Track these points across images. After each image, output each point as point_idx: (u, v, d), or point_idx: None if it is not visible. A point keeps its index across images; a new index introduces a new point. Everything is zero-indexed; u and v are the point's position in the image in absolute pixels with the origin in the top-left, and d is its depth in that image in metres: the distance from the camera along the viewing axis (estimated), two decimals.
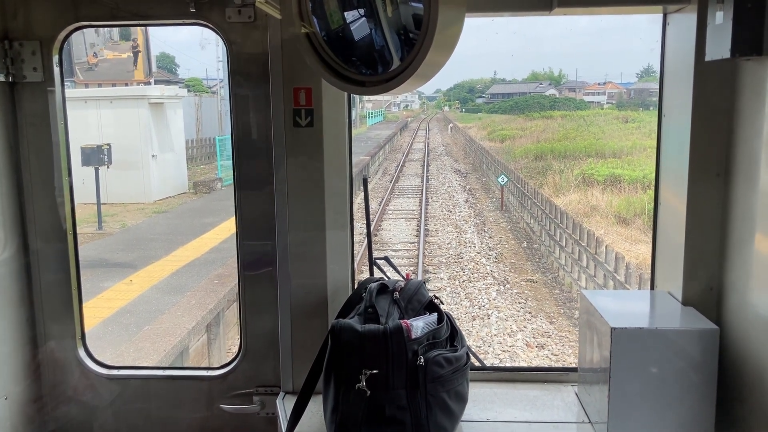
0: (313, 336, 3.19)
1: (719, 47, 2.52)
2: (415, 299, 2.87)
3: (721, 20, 2.51)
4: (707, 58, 2.63)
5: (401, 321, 2.65)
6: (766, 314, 2.56)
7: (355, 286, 3.16)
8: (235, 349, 3.61)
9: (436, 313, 2.87)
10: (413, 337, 2.63)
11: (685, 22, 2.97)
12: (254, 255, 3.42)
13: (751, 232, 2.71)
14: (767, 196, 2.58)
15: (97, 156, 21.26)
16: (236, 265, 3.50)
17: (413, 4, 2.44)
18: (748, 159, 2.74)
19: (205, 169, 34.32)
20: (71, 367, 3.55)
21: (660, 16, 3.19)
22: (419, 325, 2.68)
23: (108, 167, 22.08)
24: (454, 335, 2.91)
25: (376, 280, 3.02)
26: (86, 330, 3.63)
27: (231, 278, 13.76)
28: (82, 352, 3.55)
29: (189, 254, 16.72)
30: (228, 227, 19.03)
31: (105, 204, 22.09)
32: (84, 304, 3.61)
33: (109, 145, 21.83)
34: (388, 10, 2.49)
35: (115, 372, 3.57)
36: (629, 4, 3.06)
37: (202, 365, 11.35)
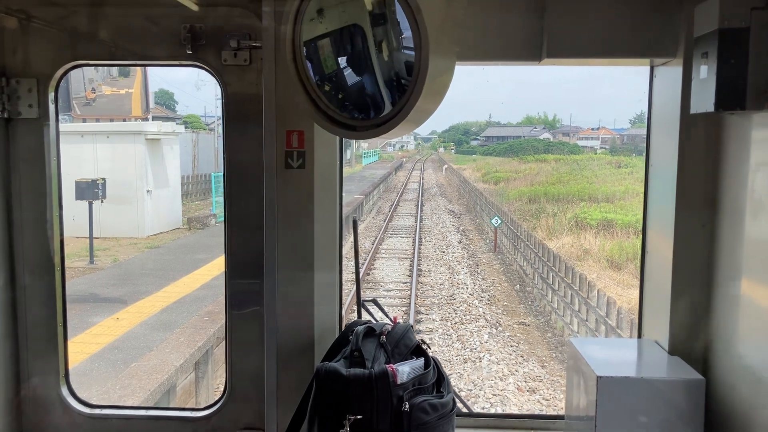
0: (298, 378, 3.17)
1: (704, 101, 2.57)
2: (402, 343, 2.86)
3: (705, 74, 2.57)
4: (692, 111, 2.69)
5: (387, 366, 2.64)
6: (753, 365, 2.56)
7: (343, 328, 3.16)
8: (223, 388, 3.58)
9: (423, 358, 2.86)
10: (399, 382, 2.62)
11: (671, 75, 3.04)
12: (242, 294, 3.41)
13: (736, 282, 2.72)
14: (753, 246, 2.61)
15: (91, 190, 21.25)
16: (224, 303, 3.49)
17: (406, 51, 2.49)
18: (732, 210, 2.77)
19: (199, 205, 34.31)
20: (53, 405, 3.50)
21: (647, 68, 3.26)
22: (405, 370, 2.67)
23: (102, 201, 22.05)
24: (440, 380, 2.89)
25: (364, 323, 3.01)
26: (72, 366, 3.60)
27: (221, 315, 13.57)
28: (65, 390, 3.50)
29: (180, 290, 16.60)
30: (220, 264, 18.94)
31: (98, 238, 22.00)
32: (71, 340, 3.58)
33: (104, 179, 21.85)
34: (384, 55, 2.54)
35: (97, 411, 3.52)
36: (617, 56, 3.14)
37: (189, 404, 11.17)
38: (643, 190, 3.38)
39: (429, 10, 2.34)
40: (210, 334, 12.75)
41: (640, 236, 3.37)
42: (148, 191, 25.67)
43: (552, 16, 3.05)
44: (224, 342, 3.46)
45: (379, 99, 2.57)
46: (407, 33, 2.45)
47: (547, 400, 13.52)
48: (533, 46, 3.13)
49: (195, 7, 3.24)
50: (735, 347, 2.72)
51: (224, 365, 3.50)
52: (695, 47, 2.68)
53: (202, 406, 3.59)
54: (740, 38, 2.46)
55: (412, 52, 2.43)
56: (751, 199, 2.64)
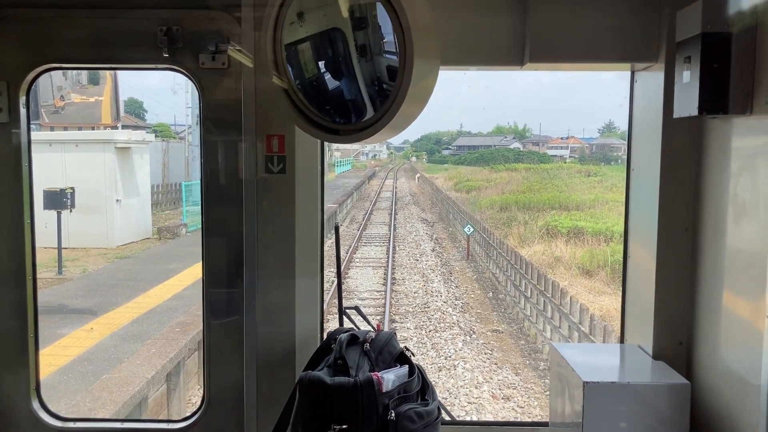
0: (279, 388, 3.10)
1: (686, 105, 2.59)
2: (386, 351, 2.82)
3: (688, 79, 2.58)
4: (675, 115, 2.70)
5: (372, 374, 2.59)
6: (736, 369, 2.56)
7: (324, 337, 3.10)
8: (196, 400, 3.49)
9: (407, 366, 2.82)
10: (384, 390, 2.57)
11: (653, 79, 3.05)
12: (220, 303, 3.34)
13: (719, 286, 2.73)
14: (735, 251, 2.62)
15: (60, 199, 20.83)
16: (200, 312, 3.41)
17: (387, 56, 2.46)
18: (715, 215, 2.79)
19: (170, 214, 33.86)
20: (24, 419, 3.38)
21: (628, 73, 3.28)
22: (390, 378, 2.63)
23: (71, 211, 21.63)
24: (425, 388, 2.85)
25: (346, 331, 2.96)
26: (41, 378, 3.48)
27: (193, 326, 13.44)
28: (36, 404, 3.39)
29: (151, 301, 16.33)
30: (192, 273, 18.69)
31: (66, 248, 21.56)
32: (40, 352, 3.47)
33: (72, 188, 21.44)
34: (365, 59, 2.52)
35: (70, 424, 3.41)
36: (599, 61, 3.15)
37: (161, 416, 10.97)
38: (612, 197, 3.39)
39: (413, 13, 2.31)
40: (182, 345, 12.55)
41: (611, 244, 3.38)
42: (117, 200, 25.27)
43: (534, 20, 3.05)
44: (199, 352, 3.38)
45: (361, 103, 2.54)
46: (389, 37, 2.43)
47: (521, 407, 13.55)
48: (516, 51, 3.13)
49: (170, 10, 3.18)
50: (718, 351, 2.73)
51: (197, 376, 3.41)
52: (677, 51, 2.70)
53: (174, 418, 3.49)
54: (723, 42, 2.48)
55: (394, 57, 2.40)
56: (733, 204, 2.65)
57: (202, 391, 3.42)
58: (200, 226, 3.40)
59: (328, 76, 2.65)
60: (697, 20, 2.51)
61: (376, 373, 2.60)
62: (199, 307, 3.40)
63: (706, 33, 2.48)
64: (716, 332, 2.75)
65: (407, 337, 17.14)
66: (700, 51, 2.49)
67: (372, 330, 2.97)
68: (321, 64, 2.65)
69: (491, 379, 14.93)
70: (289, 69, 2.60)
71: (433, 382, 14.64)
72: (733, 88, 2.48)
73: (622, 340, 3.36)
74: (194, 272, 18.52)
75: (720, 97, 2.49)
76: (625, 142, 3.44)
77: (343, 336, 2.81)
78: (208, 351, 3.34)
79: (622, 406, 2.71)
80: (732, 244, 2.65)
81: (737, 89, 2.48)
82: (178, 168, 39.90)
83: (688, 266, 2.96)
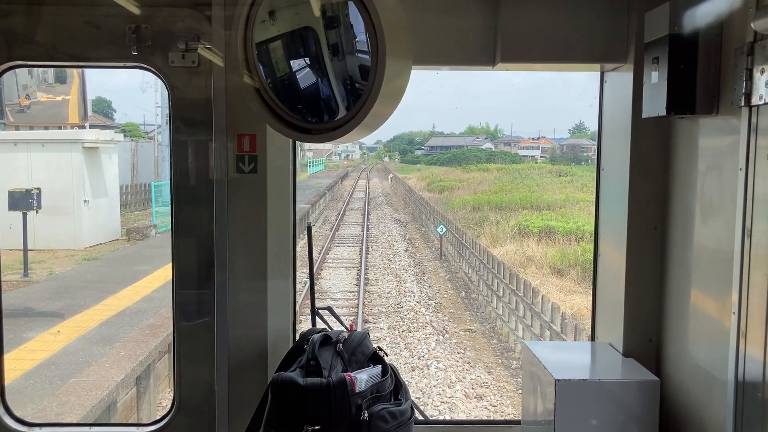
0: (251, 389, 3.07)
1: (655, 105, 2.62)
2: (359, 351, 2.81)
3: (656, 80, 2.62)
4: (644, 116, 2.73)
5: (345, 374, 2.58)
6: (704, 365, 2.60)
7: (297, 337, 3.08)
8: (166, 403, 3.44)
9: (380, 365, 2.81)
10: (357, 390, 2.56)
11: (622, 80, 3.09)
12: (191, 304, 3.29)
13: (687, 284, 2.77)
14: (702, 249, 2.66)
15: (25, 200, 20.43)
16: (171, 314, 3.37)
17: (360, 55, 2.46)
18: (683, 214, 2.83)
19: (139, 215, 33.40)
20: None
21: (598, 73, 3.31)
22: (363, 378, 2.62)
23: (37, 212, 21.22)
24: (398, 388, 2.85)
25: (319, 331, 2.94)
26: (6, 383, 3.40)
27: (163, 328, 13.28)
28: (0, 409, 3.31)
29: (120, 303, 16.09)
30: (162, 275, 18.46)
31: (32, 250, 21.14)
32: (4, 356, 3.39)
33: (38, 189, 21.03)
34: (337, 58, 2.51)
35: (36, 430, 3.34)
36: (569, 61, 3.17)
37: (131, 419, 10.81)
38: (583, 197, 3.42)
39: (385, 13, 2.31)
40: (152, 347, 12.39)
41: (581, 243, 3.42)
42: (85, 201, 24.85)
43: (506, 21, 3.07)
44: (170, 354, 3.33)
45: (333, 102, 2.53)
46: (361, 36, 2.42)
47: (494, 406, 13.64)
48: (487, 51, 3.14)
49: (139, 8, 3.13)
50: (687, 348, 2.77)
51: (167, 379, 3.36)
52: (646, 53, 2.74)
53: (144, 422, 3.45)
54: (690, 44, 2.52)
55: (366, 56, 2.40)
56: (700, 203, 2.69)
57: (172, 393, 3.37)
58: (170, 227, 3.36)
59: (300, 75, 2.63)
60: (664, 22, 2.55)
61: (349, 373, 2.59)
62: (169, 309, 3.34)
63: (674, 34, 2.52)
64: (684, 329, 2.79)
65: (381, 338, 17.14)
66: (667, 52, 2.52)
67: (345, 330, 2.95)
68: (293, 62, 2.63)
69: (464, 378, 15.00)
70: (261, 68, 2.57)
71: (407, 382, 14.65)
72: (700, 89, 2.52)
73: (593, 338, 3.39)
74: (164, 274, 18.29)
75: (687, 98, 2.53)
76: (595, 143, 3.48)
77: (316, 336, 2.80)
78: (179, 353, 3.30)
79: (593, 403, 2.74)
80: (699, 242, 2.70)
81: (704, 90, 2.52)
82: (148, 168, 39.40)
83: (657, 264, 3.00)
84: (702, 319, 2.66)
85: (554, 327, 15.60)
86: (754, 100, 2.26)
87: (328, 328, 3.19)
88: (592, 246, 3.40)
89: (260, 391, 2.78)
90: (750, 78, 2.27)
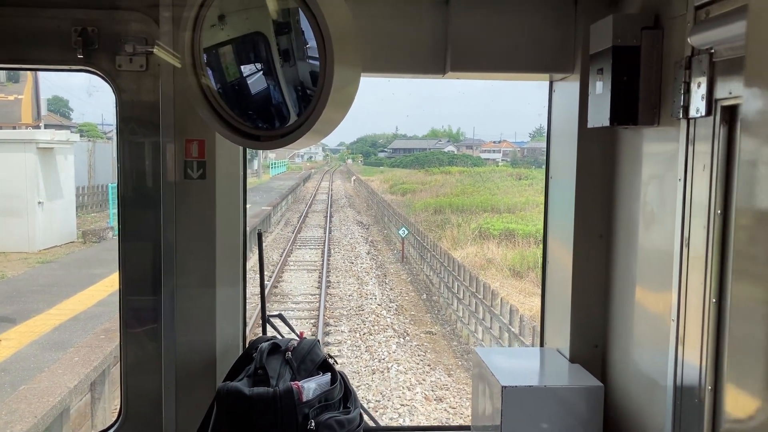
0: (199, 399, 3.03)
1: (599, 115, 2.67)
2: (309, 359, 2.79)
3: (600, 90, 2.67)
4: (589, 125, 2.78)
5: (292, 383, 2.56)
6: (646, 371, 2.66)
7: (247, 346, 3.05)
8: (117, 412, 3.38)
9: (329, 373, 2.80)
10: (304, 399, 2.55)
11: (569, 90, 3.14)
12: (138, 311, 3.24)
13: (631, 291, 2.83)
14: (645, 256, 2.71)
15: None
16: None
17: (311, 61, 2.45)
18: (627, 221, 2.88)
19: (96, 217, 32.72)
20: None
21: (547, 83, 3.36)
22: (311, 386, 2.61)
23: None
24: (347, 395, 2.84)
25: (269, 339, 2.92)
26: None
27: (119, 333, 13.03)
28: None
29: (74, 307, 15.73)
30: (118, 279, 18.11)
31: None
32: None
33: None
34: (288, 64, 2.49)
35: None
36: (518, 70, 3.21)
37: (84, 427, 10.58)
38: (542, 200, 3.47)
39: (333, 20, 2.30)
40: (107, 352, 12.15)
41: (540, 246, 3.46)
42: (39, 203, 24.24)
43: (455, 31, 3.09)
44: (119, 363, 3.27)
45: (284, 109, 2.52)
46: (312, 42, 2.41)
47: (453, 408, 13.71)
48: (437, 60, 3.16)
49: (86, 11, 3.06)
50: (630, 354, 2.82)
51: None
52: (591, 63, 2.78)
53: (98, 430, 3.38)
54: (632, 56, 2.57)
55: (317, 62, 2.39)
56: (643, 211, 2.75)
57: (119, 403, 3.31)
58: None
59: (250, 81, 2.61)
60: (608, 34, 2.60)
61: (297, 382, 2.58)
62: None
63: (617, 47, 2.57)
64: (628, 336, 2.84)
65: (341, 341, 17.09)
66: (611, 64, 2.57)
67: (295, 338, 2.94)
68: (243, 68, 2.60)
69: (424, 380, 15.05)
70: (210, 73, 2.54)
71: (367, 385, 14.66)
72: (642, 101, 2.57)
73: (542, 344, 3.44)
74: None
75: (630, 109, 2.58)
76: None
77: (265, 345, 2.78)
78: (125, 361, 3.24)
79: (539, 409, 2.78)
80: (643, 249, 2.75)
81: (646, 101, 2.57)
82: (105, 169, 38.61)
83: (602, 271, 3.05)
84: (644, 326, 2.72)
85: (512, 329, 15.77)
86: (692, 113, 2.32)
87: (278, 335, 3.17)
88: None
89: (209, 401, 2.75)
90: (687, 91, 2.33)
